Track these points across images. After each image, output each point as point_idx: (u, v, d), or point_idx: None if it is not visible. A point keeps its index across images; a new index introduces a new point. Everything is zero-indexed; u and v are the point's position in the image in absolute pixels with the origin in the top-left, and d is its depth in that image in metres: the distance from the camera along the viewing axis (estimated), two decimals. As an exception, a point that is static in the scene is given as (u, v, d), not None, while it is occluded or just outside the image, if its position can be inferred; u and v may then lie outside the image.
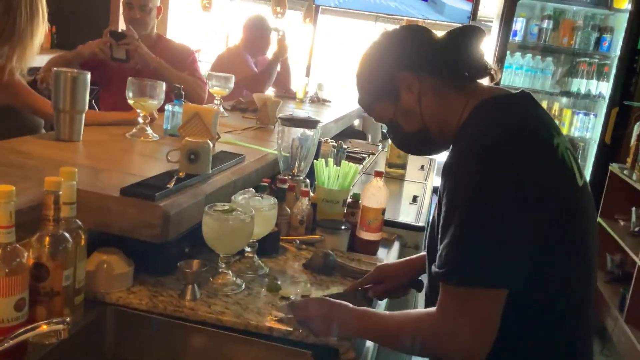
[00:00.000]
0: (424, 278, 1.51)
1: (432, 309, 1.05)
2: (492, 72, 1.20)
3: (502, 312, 1.00)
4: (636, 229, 3.80)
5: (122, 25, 2.93)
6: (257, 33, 3.85)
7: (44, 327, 0.92)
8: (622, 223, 4.04)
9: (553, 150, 1.07)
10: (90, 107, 2.02)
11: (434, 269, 1.04)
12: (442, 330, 1.02)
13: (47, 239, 1.03)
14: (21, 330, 0.93)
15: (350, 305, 1.19)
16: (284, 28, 3.86)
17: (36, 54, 1.87)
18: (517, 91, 1.17)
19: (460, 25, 1.24)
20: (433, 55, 1.18)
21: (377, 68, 1.23)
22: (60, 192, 1.03)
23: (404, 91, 1.19)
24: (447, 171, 1.07)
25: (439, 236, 1.06)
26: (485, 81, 1.22)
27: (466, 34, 1.19)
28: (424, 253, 1.43)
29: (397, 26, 1.31)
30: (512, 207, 0.99)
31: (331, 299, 1.22)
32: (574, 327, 1.12)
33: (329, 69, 6.48)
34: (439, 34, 1.23)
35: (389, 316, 1.14)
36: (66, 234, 1.06)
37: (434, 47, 1.19)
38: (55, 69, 1.71)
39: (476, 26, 1.21)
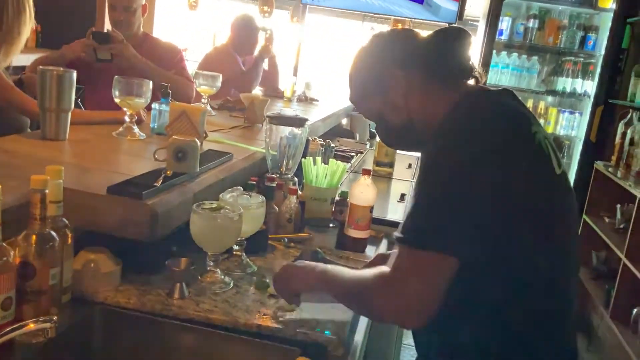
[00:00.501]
0: None
1: (387, 268, 1.08)
2: (477, 74, 1.27)
3: (450, 281, 1.03)
4: (621, 226, 3.83)
5: (108, 25, 2.91)
6: (244, 32, 3.85)
7: (31, 326, 0.92)
8: (607, 220, 4.08)
9: (529, 135, 1.12)
10: (76, 106, 2.01)
11: (395, 233, 1.08)
12: (389, 286, 1.05)
13: (34, 237, 1.03)
14: (8, 329, 0.92)
15: (313, 264, 1.26)
16: (271, 27, 3.87)
17: (20, 50, 1.86)
18: (499, 89, 1.23)
19: (447, 25, 1.27)
20: (420, 54, 1.25)
21: (368, 66, 1.31)
22: (47, 191, 1.03)
23: (392, 87, 1.26)
24: (423, 157, 1.14)
25: (406, 209, 1.11)
26: (470, 83, 1.28)
27: (451, 35, 1.27)
28: None
29: (388, 28, 1.36)
30: (472, 181, 1.03)
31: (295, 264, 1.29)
32: (546, 316, 1.13)
33: (317, 68, 6.48)
34: (425, 33, 1.30)
35: (348, 271, 1.21)
36: (53, 233, 1.06)
37: (421, 46, 1.27)
38: (40, 67, 1.70)
39: (462, 28, 1.28)
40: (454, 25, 1.30)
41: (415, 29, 1.36)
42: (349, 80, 1.35)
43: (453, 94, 1.20)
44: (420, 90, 1.24)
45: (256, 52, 3.85)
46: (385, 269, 1.08)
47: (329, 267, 1.25)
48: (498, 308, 1.09)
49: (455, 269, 1.03)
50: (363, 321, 1.38)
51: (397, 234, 1.08)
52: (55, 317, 0.94)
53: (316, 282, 1.22)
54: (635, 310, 3.32)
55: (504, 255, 1.06)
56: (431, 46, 1.26)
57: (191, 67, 3.57)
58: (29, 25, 1.90)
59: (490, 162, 1.05)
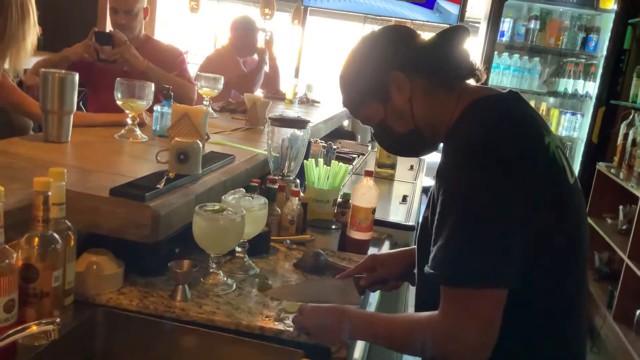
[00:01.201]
0: None
1: (434, 312, 1.05)
2: (478, 72, 1.21)
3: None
4: (624, 227, 3.83)
5: (109, 27, 2.91)
6: (244, 33, 3.85)
7: (34, 328, 0.91)
8: (609, 221, 4.07)
9: (545, 149, 1.08)
10: (79, 109, 2.01)
11: (428, 270, 1.04)
12: (446, 332, 1.02)
13: (36, 239, 1.03)
14: (11, 332, 0.92)
15: (351, 309, 1.20)
16: (272, 29, 3.87)
17: (30, 56, 1.86)
18: (505, 91, 1.18)
19: (449, 26, 1.24)
20: (423, 56, 1.18)
21: (366, 69, 1.21)
22: (49, 193, 1.03)
23: (395, 92, 1.17)
24: (442, 173, 1.07)
25: (433, 237, 1.06)
26: (471, 82, 1.23)
27: (454, 34, 1.19)
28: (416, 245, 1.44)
29: (381, 27, 1.31)
30: (506, 207, 1.00)
31: (337, 305, 1.22)
32: (566, 325, 1.13)
33: (318, 70, 6.48)
34: (426, 35, 1.24)
35: (391, 320, 1.15)
36: (55, 235, 1.06)
37: (423, 47, 1.19)
38: (42, 70, 1.70)
39: (462, 26, 1.22)
40: (454, 25, 1.23)
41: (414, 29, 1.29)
42: (341, 84, 1.25)
43: (459, 97, 1.15)
44: (426, 94, 1.17)
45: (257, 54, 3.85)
46: (433, 315, 1.04)
47: (375, 316, 1.20)
48: (525, 327, 1.07)
49: (505, 298, 1.00)
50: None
51: (431, 270, 1.03)
52: (58, 320, 0.93)
53: (365, 337, 1.20)
54: (638, 312, 3.32)
55: (535, 277, 1.04)
56: (434, 47, 1.19)
57: (192, 69, 3.58)
58: (34, 30, 1.90)
59: (514, 185, 1.00)
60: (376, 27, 1.31)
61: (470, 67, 1.19)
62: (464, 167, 1.03)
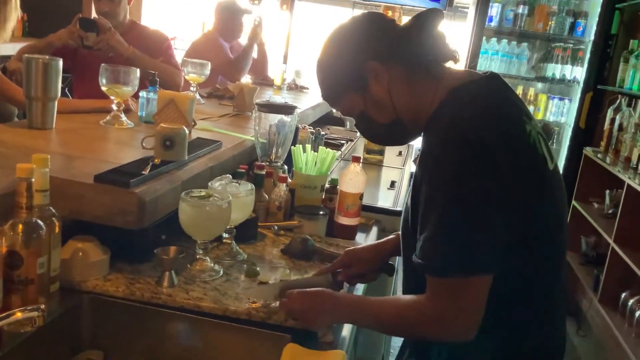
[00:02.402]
0: (394, 261, 1.53)
1: (422, 296, 1.06)
2: (456, 54, 1.18)
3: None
4: (610, 212, 3.86)
5: (94, 14, 2.88)
6: (228, 16, 3.80)
7: (19, 315, 0.91)
8: (596, 206, 4.11)
9: (525, 136, 1.08)
10: (64, 95, 1.99)
11: (415, 259, 1.05)
12: (434, 318, 1.04)
13: (20, 226, 1.02)
14: (-5, 319, 0.92)
15: (338, 294, 1.21)
16: (261, 14, 3.83)
17: (8, 39, 1.84)
18: (485, 73, 1.16)
19: (422, 10, 1.21)
20: (398, 42, 1.15)
21: (343, 59, 1.18)
22: (33, 179, 1.02)
23: (372, 82, 1.15)
24: (424, 161, 1.07)
25: (419, 227, 1.06)
26: (451, 65, 1.20)
27: (428, 18, 1.16)
28: (392, 236, 1.44)
29: (359, 13, 1.28)
30: (489, 195, 1.00)
31: (320, 289, 1.22)
32: (543, 306, 1.15)
33: (307, 56, 6.45)
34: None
35: (379, 304, 1.15)
36: (40, 222, 1.05)
37: (398, 34, 1.16)
38: (26, 55, 1.68)
39: (435, 8, 1.18)
40: (427, 8, 1.18)
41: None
42: (318, 76, 1.22)
43: (439, 82, 1.13)
44: (405, 82, 1.15)
45: (245, 37, 3.81)
46: (420, 300, 1.06)
47: (358, 300, 1.22)
48: (503, 304, 1.08)
49: (490, 282, 1.02)
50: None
51: (419, 260, 1.04)
52: (42, 306, 0.93)
53: (348, 320, 1.22)
54: (623, 295, 3.36)
55: (516, 263, 1.06)
56: (411, 33, 1.15)
57: (180, 55, 3.54)
58: (14, 14, 1.87)
59: (496, 174, 1.00)
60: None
61: (447, 50, 1.16)
62: (446, 158, 1.02)
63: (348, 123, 4.21)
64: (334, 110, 4.29)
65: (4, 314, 0.92)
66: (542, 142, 1.12)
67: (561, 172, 1.24)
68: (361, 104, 1.18)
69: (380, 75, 1.14)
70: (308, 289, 1.22)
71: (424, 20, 1.16)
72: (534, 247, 1.08)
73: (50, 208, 1.12)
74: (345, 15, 6.77)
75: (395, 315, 1.11)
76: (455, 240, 1.01)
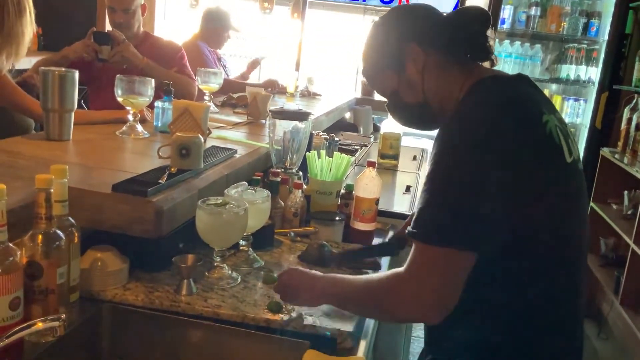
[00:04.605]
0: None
1: (400, 268, 1.07)
2: (493, 57, 1.25)
3: (467, 275, 1.02)
4: (629, 212, 3.81)
5: (108, 27, 2.90)
6: (212, 28, 3.91)
7: (40, 325, 0.92)
8: (614, 207, 4.06)
9: (541, 125, 1.10)
10: (80, 107, 2.01)
11: (408, 228, 1.07)
12: (406, 286, 1.04)
13: (40, 237, 1.03)
14: (16, 329, 0.92)
15: (319, 274, 1.23)
16: (265, 55, 3.95)
17: (26, 51, 1.86)
18: (514, 74, 1.21)
19: (469, 5, 1.27)
20: (441, 32, 1.22)
21: (386, 39, 1.27)
22: (52, 190, 1.03)
23: (410, 63, 1.22)
24: (435, 139, 1.11)
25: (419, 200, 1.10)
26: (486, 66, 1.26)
27: (474, 15, 1.23)
28: None
29: (370, 19, 1.34)
30: (487, 175, 1.02)
31: (322, 273, 1.25)
32: (549, 301, 1.12)
33: (319, 63, 6.46)
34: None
35: (355, 279, 1.19)
36: (59, 232, 1.06)
37: (442, 23, 1.24)
38: (42, 68, 1.70)
39: (484, 10, 1.24)
40: (476, 5, 1.26)
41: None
42: (363, 54, 1.32)
43: (469, 76, 1.18)
44: (438, 69, 1.22)
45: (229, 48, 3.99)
46: (398, 270, 1.07)
47: (337, 277, 1.23)
48: (509, 300, 1.08)
49: (472, 263, 1.02)
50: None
51: (411, 229, 1.06)
52: (63, 316, 0.93)
53: (323, 297, 1.22)
54: (645, 296, 3.31)
55: (516, 249, 1.06)
56: (453, 25, 1.23)
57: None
58: (31, 26, 1.89)
59: (501, 155, 1.02)
60: (376, 18, 1.33)
61: (486, 49, 1.22)
62: (453, 140, 1.07)
63: (361, 129, 4.21)
64: (347, 117, 4.30)
65: (25, 324, 0.93)
66: (560, 134, 1.13)
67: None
68: (395, 83, 1.26)
69: (417, 59, 1.22)
70: (310, 270, 1.26)
71: (466, 15, 1.23)
72: (544, 238, 1.08)
73: (69, 218, 1.12)
74: (357, 21, 6.78)
75: (368, 284, 1.13)
76: (444, 211, 1.03)
